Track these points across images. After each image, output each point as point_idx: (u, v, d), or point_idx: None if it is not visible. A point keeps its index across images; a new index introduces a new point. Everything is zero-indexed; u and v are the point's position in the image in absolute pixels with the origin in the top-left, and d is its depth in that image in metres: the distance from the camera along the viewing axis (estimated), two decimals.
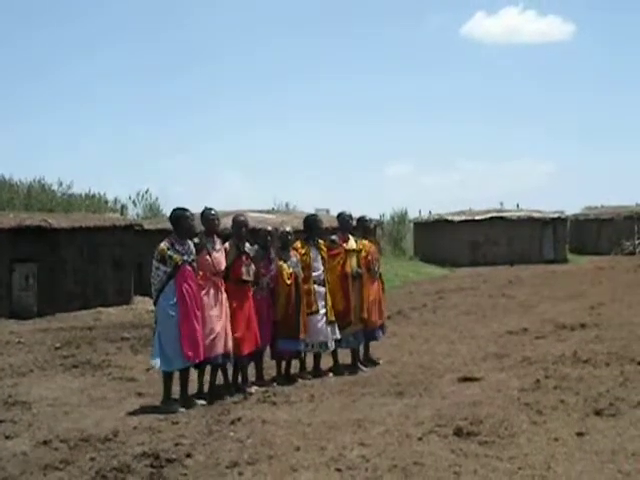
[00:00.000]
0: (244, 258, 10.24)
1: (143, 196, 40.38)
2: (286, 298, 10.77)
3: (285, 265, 10.82)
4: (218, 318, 9.71)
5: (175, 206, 9.93)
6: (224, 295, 9.87)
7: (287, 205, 42.64)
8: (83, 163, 74.97)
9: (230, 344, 9.82)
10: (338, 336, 11.36)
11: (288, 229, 11.29)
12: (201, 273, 9.61)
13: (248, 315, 10.16)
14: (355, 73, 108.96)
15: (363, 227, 12.30)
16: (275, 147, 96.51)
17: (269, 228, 11.10)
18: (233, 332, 9.90)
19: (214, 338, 9.64)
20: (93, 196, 35.19)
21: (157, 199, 40.83)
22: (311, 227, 11.48)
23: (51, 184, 33.92)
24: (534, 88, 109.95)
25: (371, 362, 11.96)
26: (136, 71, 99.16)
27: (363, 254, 11.78)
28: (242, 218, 10.56)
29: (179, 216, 9.70)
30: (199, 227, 9.95)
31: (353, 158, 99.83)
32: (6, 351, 14.49)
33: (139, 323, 18.71)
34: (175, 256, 9.32)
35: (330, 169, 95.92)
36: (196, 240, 9.73)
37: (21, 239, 20.74)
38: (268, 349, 10.89)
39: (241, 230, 10.40)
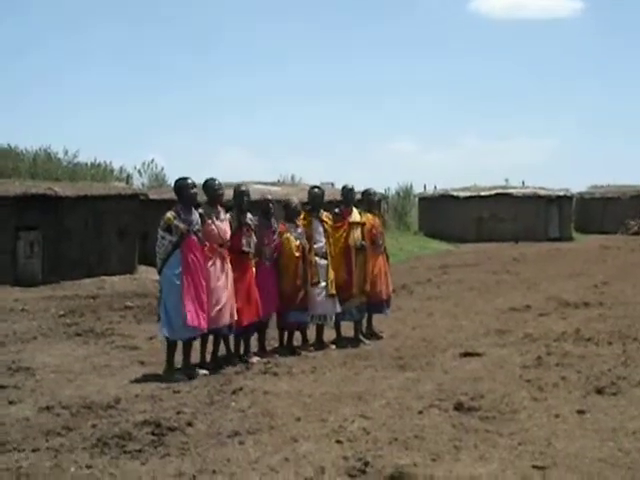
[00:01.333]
0: (245, 229, 10.22)
1: (149, 166, 40.33)
2: (294, 270, 10.78)
3: (292, 237, 10.81)
4: (224, 289, 9.74)
5: (178, 177, 9.91)
6: (229, 266, 9.88)
7: (292, 178, 42.55)
8: (89, 132, 75.09)
9: (234, 315, 9.85)
10: (338, 309, 11.38)
11: (296, 201, 11.27)
12: (207, 244, 9.62)
13: (248, 286, 10.17)
14: (360, 49, 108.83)
15: (368, 200, 12.25)
16: (280, 122, 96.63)
17: (269, 197, 11.07)
18: (236, 303, 9.93)
19: (220, 309, 9.67)
20: (99, 165, 35.03)
21: (162, 169, 40.77)
22: (314, 199, 11.47)
23: (57, 152, 33.86)
24: (540, 65, 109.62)
25: (374, 335, 11.99)
26: (139, 44, 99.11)
27: (367, 227, 11.76)
28: (243, 188, 10.52)
29: (180, 185, 9.70)
30: (202, 197, 9.92)
31: (358, 134, 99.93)
32: (10, 318, 14.57)
33: (143, 292, 18.77)
34: (181, 225, 9.31)
35: (335, 144, 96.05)
36: (201, 210, 9.72)
37: (26, 207, 20.76)
38: (274, 320, 10.95)
39: (242, 201, 10.37)
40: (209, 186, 10.00)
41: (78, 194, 22.28)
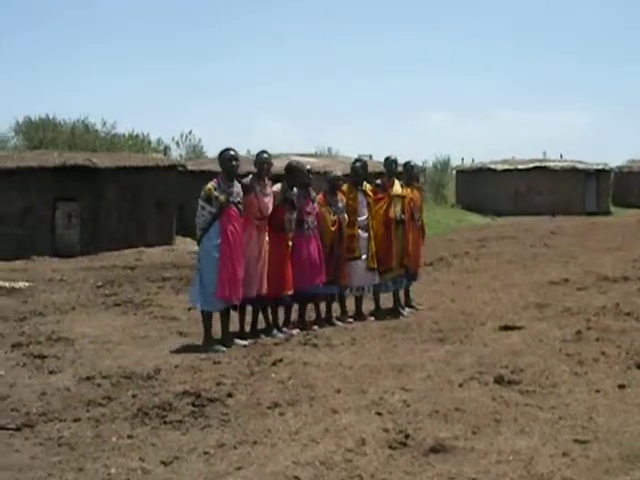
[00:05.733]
0: (289, 205, 10.20)
1: (186, 137, 40.41)
2: (329, 243, 10.76)
3: (328, 211, 10.78)
4: (257, 261, 9.77)
5: (221, 148, 9.90)
6: (266, 239, 9.89)
7: (330, 150, 42.50)
8: (127, 103, 75.35)
9: (264, 288, 9.87)
10: (377, 281, 11.40)
11: (338, 174, 11.23)
12: (246, 216, 9.61)
13: (283, 260, 10.12)
14: (395, 21, 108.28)
15: (408, 173, 12.17)
16: (317, 94, 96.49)
17: (308, 167, 10.99)
18: (268, 275, 9.93)
19: (253, 280, 9.70)
20: (137, 136, 35.23)
21: (200, 140, 40.84)
22: (357, 172, 11.42)
23: (94, 124, 34.05)
24: (577, 37, 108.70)
25: (411, 307, 11.95)
26: (177, 14, 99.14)
27: (406, 200, 11.70)
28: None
29: (219, 157, 9.79)
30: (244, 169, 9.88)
31: (394, 106, 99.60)
32: (49, 288, 14.66)
33: (180, 263, 18.80)
34: (221, 197, 9.31)
35: (372, 116, 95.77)
36: (245, 181, 9.71)
37: (65, 178, 20.88)
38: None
39: (294, 177, 10.37)
40: (257, 159, 10.01)
41: (116, 165, 22.40)
